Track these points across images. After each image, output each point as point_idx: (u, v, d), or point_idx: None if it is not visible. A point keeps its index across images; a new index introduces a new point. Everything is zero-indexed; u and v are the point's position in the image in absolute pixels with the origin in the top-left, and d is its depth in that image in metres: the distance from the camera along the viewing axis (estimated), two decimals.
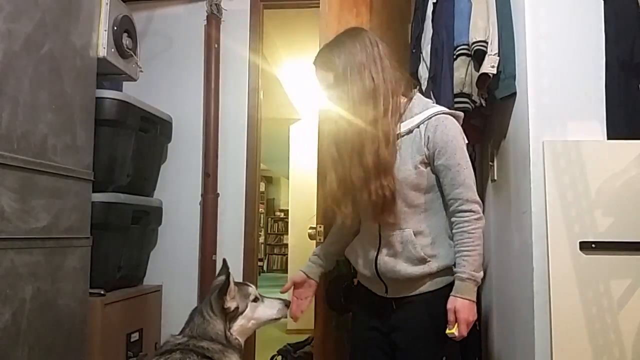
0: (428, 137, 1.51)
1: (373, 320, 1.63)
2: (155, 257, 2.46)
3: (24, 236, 1.53)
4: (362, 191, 1.49)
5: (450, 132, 1.50)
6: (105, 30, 1.96)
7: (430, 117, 1.52)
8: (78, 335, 1.77)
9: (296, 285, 1.73)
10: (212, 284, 1.67)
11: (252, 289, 1.62)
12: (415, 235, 1.52)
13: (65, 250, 1.71)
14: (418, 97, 1.60)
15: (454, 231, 1.51)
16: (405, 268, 1.52)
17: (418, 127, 1.53)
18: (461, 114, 1.62)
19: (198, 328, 1.53)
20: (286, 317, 1.66)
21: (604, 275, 1.62)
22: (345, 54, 1.52)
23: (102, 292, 1.94)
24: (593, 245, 1.63)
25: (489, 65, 1.80)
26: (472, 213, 1.48)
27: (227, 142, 2.52)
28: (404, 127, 1.54)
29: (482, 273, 1.48)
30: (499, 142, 2.04)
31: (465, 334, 1.45)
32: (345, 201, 1.54)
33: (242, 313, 1.58)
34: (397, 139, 1.52)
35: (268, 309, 1.62)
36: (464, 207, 1.49)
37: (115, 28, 2.02)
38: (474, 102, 1.92)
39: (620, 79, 1.70)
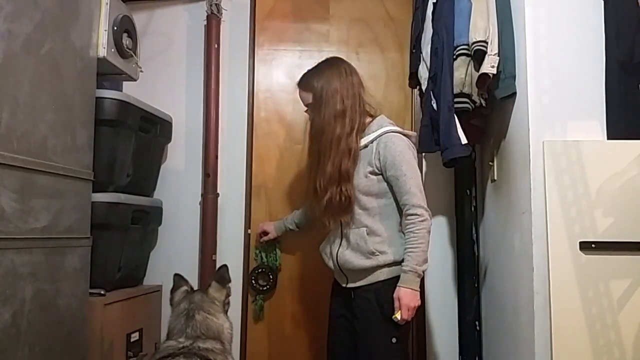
0: (379, 152, 1.81)
1: (341, 308, 1.94)
2: (155, 257, 2.46)
3: (24, 236, 1.53)
4: (325, 194, 1.81)
5: (397, 147, 1.79)
6: (105, 30, 1.95)
7: (382, 135, 1.82)
8: (78, 335, 1.77)
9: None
10: (175, 296, 1.69)
11: None
12: (368, 233, 1.82)
13: (65, 250, 1.71)
14: (380, 117, 1.91)
15: (404, 231, 1.79)
16: (358, 260, 1.82)
17: (372, 142, 1.84)
18: (414, 133, 1.95)
19: (201, 325, 1.52)
20: None
21: (604, 276, 1.62)
22: (323, 80, 1.87)
23: (102, 292, 1.94)
24: (593, 246, 1.63)
25: (489, 65, 1.80)
26: (417, 216, 1.75)
27: (227, 142, 2.52)
28: (362, 142, 1.85)
29: (425, 266, 1.76)
30: (499, 142, 2.04)
31: (407, 317, 1.72)
32: (317, 198, 1.87)
33: (228, 309, 1.70)
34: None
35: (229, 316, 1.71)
36: (410, 212, 1.76)
37: (115, 28, 2.02)
38: (474, 102, 1.92)
39: (620, 79, 1.70)
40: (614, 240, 1.63)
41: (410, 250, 1.75)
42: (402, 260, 1.77)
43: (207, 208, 2.44)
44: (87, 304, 1.83)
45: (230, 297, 1.70)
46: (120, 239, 2.10)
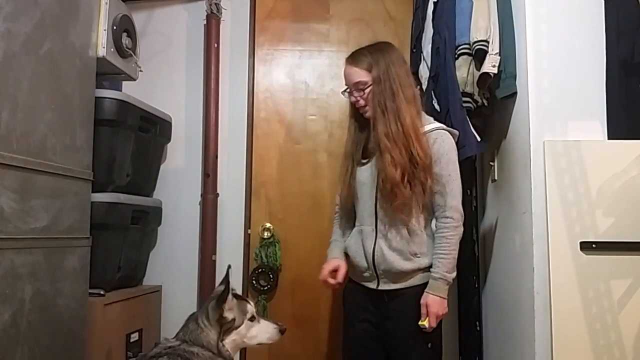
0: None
1: (364, 313, 1.82)
2: (155, 257, 2.46)
3: (24, 236, 1.53)
4: (400, 181, 1.67)
5: (446, 145, 1.73)
6: (105, 30, 1.95)
7: (432, 130, 1.75)
8: (78, 335, 1.76)
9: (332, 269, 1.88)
10: (213, 292, 1.67)
11: (250, 307, 1.63)
12: (409, 233, 1.73)
13: (64, 250, 1.71)
14: (422, 113, 1.81)
15: (435, 234, 1.74)
16: (398, 261, 1.73)
17: None
18: (457, 132, 1.83)
19: (191, 334, 1.55)
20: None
21: (604, 276, 1.62)
22: (384, 59, 1.75)
23: (101, 293, 1.93)
24: (593, 246, 1.63)
25: (490, 65, 1.80)
26: (452, 220, 1.71)
27: (227, 142, 2.52)
28: None
29: (454, 274, 1.70)
30: (499, 142, 2.03)
31: (434, 325, 1.67)
32: (397, 180, 1.68)
33: (236, 328, 1.58)
34: None
35: (262, 332, 1.64)
36: (446, 214, 1.71)
37: (115, 28, 2.01)
38: (475, 101, 1.92)
39: (620, 79, 1.70)
40: (614, 241, 1.63)
41: (441, 256, 1.69)
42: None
43: (207, 208, 2.43)
44: (87, 304, 1.83)
45: (226, 314, 1.56)
46: (120, 239, 2.10)
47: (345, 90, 1.84)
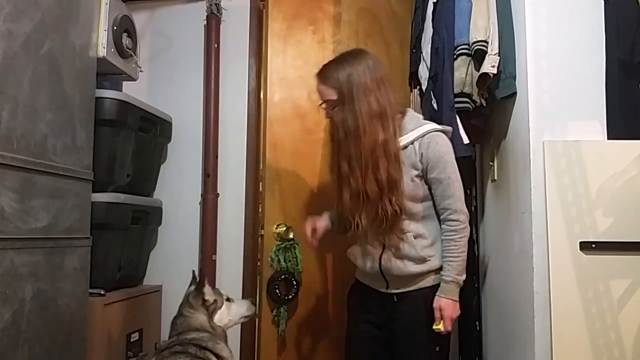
0: (422, 154, 1.68)
1: (369, 314, 1.81)
2: (155, 257, 2.46)
3: (24, 236, 1.53)
4: (375, 204, 1.64)
5: (441, 148, 1.68)
6: (105, 30, 1.95)
7: (424, 135, 1.69)
8: (78, 335, 1.77)
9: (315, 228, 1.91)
10: (187, 291, 1.84)
11: (223, 291, 1.85)
12: (415, 238, 1.70)
13: (65, 250, 1.71)
14: (410, 113, 1.78)
15: (442, 238, 1.71)
16: (408, 266, 1.71)
17: (412, 143, 1.70)
18: (450, 129, 1.79)
19: (181, 325, 1.71)
20: (255, 315, 1.97)
21: (604, 276, 1.62)
22: (349, 75, 1.65)
23: (102, 292, 1.94)
24: (593, 246, 1.63)
25: (489, 65, 1.80)
26: (459, 222, 1.68)
27: (227, 142, 2.52)
28: (401, 143, 1.70)
29: (464, 276, 1.69)
30: (499, 142, 2.04)
31: (449, 328, 1.67)
32: (359, 211, 1.68)
33: (219, 308, 1.78)
34: None
35: (240, 307, 1.85)
36: (452, 217, 1.68)
37: (115, 28, 2.02)
38: (474, 101, 1.92)
39: (620, 79, 1.70)
40: (614, 240, 1.63)
41: (451, 259, 1.67)
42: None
43: (207, 208, 2.43)
44: (87, 304, 1.83)
45: (208, 297, 1.77)
46: (120, 239, 2.10)
47: (320, 105, 1.76)
